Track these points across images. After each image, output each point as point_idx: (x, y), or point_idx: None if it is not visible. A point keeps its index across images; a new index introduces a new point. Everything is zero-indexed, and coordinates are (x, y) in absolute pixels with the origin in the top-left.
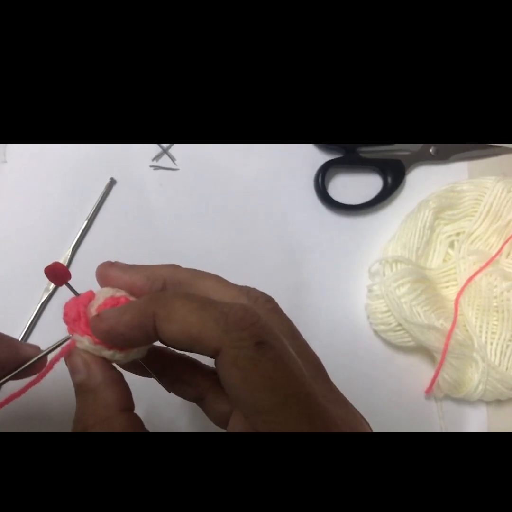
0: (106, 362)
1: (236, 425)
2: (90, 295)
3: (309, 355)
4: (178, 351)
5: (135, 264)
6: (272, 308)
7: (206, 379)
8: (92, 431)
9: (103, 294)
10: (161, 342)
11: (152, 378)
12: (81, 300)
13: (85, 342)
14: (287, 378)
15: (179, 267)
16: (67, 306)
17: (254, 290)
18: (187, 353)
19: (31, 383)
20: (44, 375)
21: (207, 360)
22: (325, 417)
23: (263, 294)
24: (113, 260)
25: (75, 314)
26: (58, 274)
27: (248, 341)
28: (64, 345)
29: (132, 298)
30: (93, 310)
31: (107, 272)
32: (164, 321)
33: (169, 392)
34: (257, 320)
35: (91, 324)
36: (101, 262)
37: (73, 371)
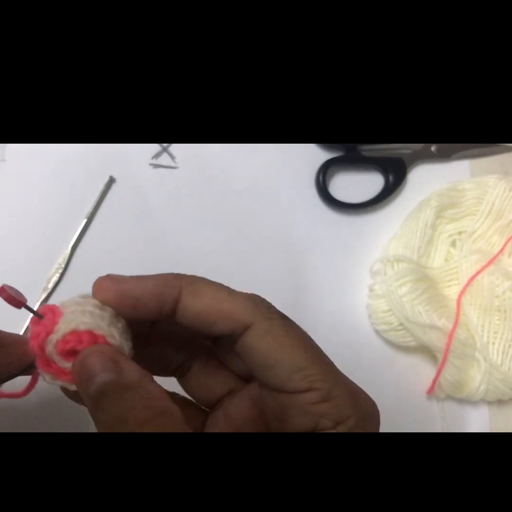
0: (133, 361)
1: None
2: (52, 321)
3: None
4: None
5: (128, 276)
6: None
7: (192, 346)
8: (154, 424)
9: (64, 326)
10: (175, 319)
11: None
12: (40, 330)
13: (46, 377)
14: (311, 340)
15: (180, 274)
16: (30, 335)
17: (258, 295)
18: None
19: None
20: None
21: None
22: (342, 373)
23: (262, 298)
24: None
25: (36, 348)
26: (12, 298)
27: (275, 314)
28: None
29: (98, 332)
30: (51, 347)
31: (108, 286)
32: (192, 295)
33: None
34: (270, 303)
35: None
36: (101, 261)
37: (93, 374)
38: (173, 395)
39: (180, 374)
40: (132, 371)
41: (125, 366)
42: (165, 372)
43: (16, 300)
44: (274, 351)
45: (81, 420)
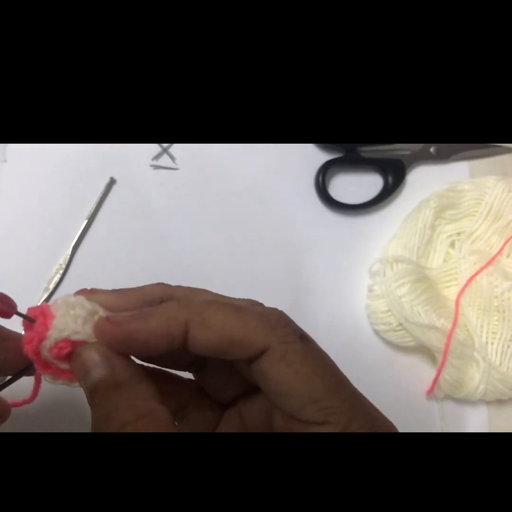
0: (128, 357)
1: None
2: (44, 326)
3: None
4: (150, 365)
5: (119, 289)
6: None
7: (186, 388)
8: (135, 427)
9: (55, 333)
10: (189, 350)
11: None
12: (33, 336)
13: (47, 378)
14: (332, 366)
15: (170, 285)
16: (24, 340)
17: (251, 299)
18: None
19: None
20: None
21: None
22: (365, 398)
23: (260, 302)
24: (89, 287)
25: (31, 354)
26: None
27: (293, 336)
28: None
29: (92, 341)
30: (45, 351)
31: (109, 330)
32: (200, 327)
33: None
34: (290, 318)
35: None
36: (101, 261)
37: (88, 368)
38: (191, 383)
39: (193, 370)
40: (123, 368)
41: (117, 363)
42: (177, 367)
43: (3, 311)
44: (288, 379)
45: (80, 421)
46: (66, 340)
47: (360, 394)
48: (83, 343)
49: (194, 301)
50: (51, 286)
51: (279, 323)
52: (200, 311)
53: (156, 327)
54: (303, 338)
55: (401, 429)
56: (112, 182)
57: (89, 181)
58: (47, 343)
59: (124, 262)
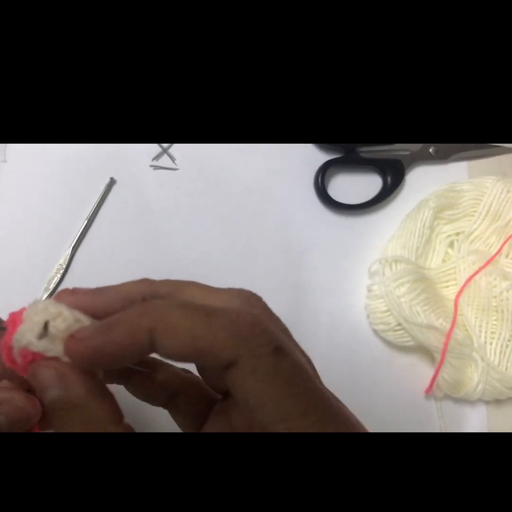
0: (86, 372)
1: (218, 428)
2: (12, 334)
3: (304, 355)
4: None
5: (101, 287)
6: (264, 307)
7: (177, 377)
8: None
9: (16, 343)
10: (159, 355)
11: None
12: (4, 343)
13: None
14: (307, 383)
15: (154, 280)
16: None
17: (243, 290)
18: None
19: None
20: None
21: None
22: (344, 418)
23: (252, 293)
24: (71, 288)
25: (6, 361)
26: None
27: (265, 348)
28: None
29: (48, 355)
30: (18, 358)
31: (70, 301)
32: (165, 335)
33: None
34: (267, 325)
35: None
36: (101, 261)
37: (44, 387)
38: (183, 373)
39: (168, 403)
40: (77, 387)
41: (71, 381)
42: (158, 399)
43: None
44: (258, 395)
45: None
46: (26, 349)
47: (339, 409)
48: (40, 355)
49: (159, 305)
50: (52, 286)
51: (253, 333)
52: (164, 317)
53: (119, 338)
54: (278, 350)
55: (399, 428)
56: (112, 182)
57: (89, 181)
58: (15, 352)
59: (124, 262)
